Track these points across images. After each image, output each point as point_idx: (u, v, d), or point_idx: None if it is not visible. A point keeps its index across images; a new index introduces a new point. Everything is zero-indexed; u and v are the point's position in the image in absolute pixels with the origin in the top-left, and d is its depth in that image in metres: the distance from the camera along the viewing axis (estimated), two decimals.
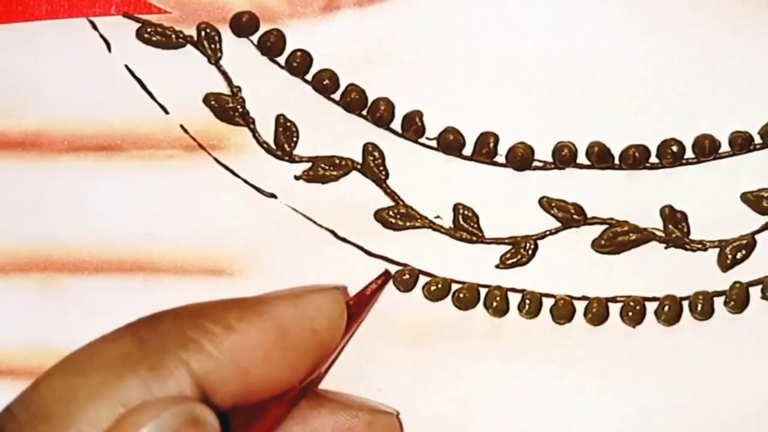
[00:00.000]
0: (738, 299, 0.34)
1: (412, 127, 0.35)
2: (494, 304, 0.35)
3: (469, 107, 0.35)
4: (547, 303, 0.35)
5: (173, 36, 0.35)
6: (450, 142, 0.35)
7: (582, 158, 0.35)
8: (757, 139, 0.35)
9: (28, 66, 0.35)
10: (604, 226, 0.35)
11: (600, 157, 0.35)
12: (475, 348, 0.35)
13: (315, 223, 0.35)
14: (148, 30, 0.35)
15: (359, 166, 0.35)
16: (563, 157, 0.35)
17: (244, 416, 0.31)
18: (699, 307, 0.34)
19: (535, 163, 0.35)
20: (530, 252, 0.35)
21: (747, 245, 0.35)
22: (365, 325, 0.35)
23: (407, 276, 0.35)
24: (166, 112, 0.35)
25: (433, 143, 0.35)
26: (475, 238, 0.35)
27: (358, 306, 0.34)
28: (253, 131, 0.35)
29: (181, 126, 0.35)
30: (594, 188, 0.35)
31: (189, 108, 0.35)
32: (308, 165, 0.35)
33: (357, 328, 0.34)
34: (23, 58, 0.35)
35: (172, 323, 0.30)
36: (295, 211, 0.35)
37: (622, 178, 0.35)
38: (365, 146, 0.35)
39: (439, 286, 0.35)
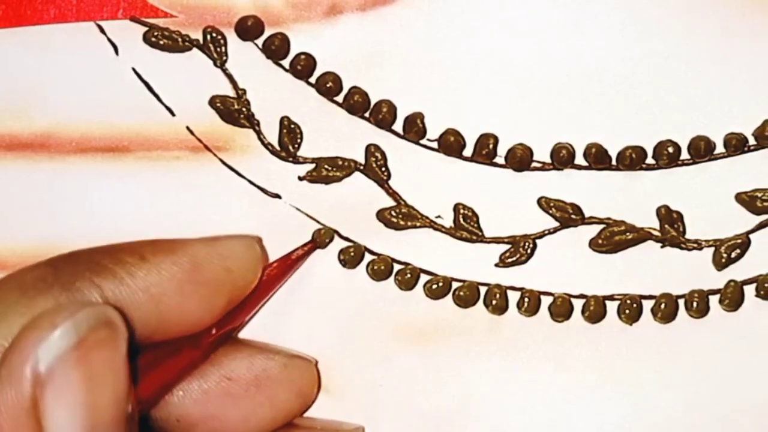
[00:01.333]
0: (733, 297, 0.34)
1: (414, 129, 0.35)
2: (494, 302, 0.35)
3: (469, 109, 0.35)
4: (546, 301, 0.35)
5: (179, 40, 0.35)
6: (451, 144, 0.35)
7: (580, 159, 0.35)
8: (752, 141, 0.35)
9: (37, 69, 0.35)
10: (602, 226, 0.35)
11: (597, 158, 0.35)
12: (475, 345, 0.35)
13: (318, 222, 0.35)
14: (155, 34, 0.35)
15: (362, 167, 0.35)
16: (561, 158, 0.35)
17: (156, 354, 0.31)
18: (694, 305, 0.35)
19: (534, 164, 0.35)
20: (529, 251, 0.35)
21: (741, 244, 0.35)
22: (367, 322, 0.35)
23: (409, 275, 0.35)
24: (173, 114, 0.35)
25: (434, 144, 0.35)
26: (475, 238, 0.35)
27: (281, 268, 0.34)
28: (258, 133, 0.35)
29: (188, 128, 0.35)
30: (591, 189, 0.35)
31: (195, 110, 0.35)
32: (312, 166, 0.35)
33: (278, 288, 0.34)
34: (32, 60, 0.35)
35: (88, 255, 0.31)
36: (298, 210, 0.35)
37: (619, 178, 0.35)
38: (368, 147, 0.35)
39: (440, 284, 0.35)
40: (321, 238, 0.35)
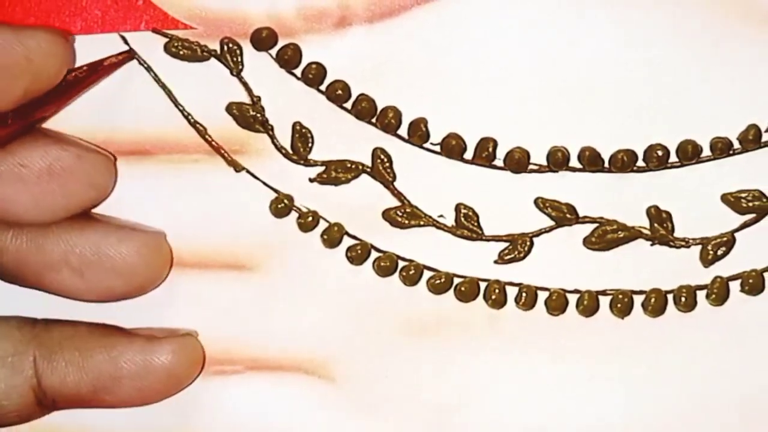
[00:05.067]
0: (719, 293, 0.35)
1: (418, 133, 0.35)
2: (493, 296, 0.35)
3: (470, 115, 0.35)
4: (542, 296, 0.35)
5: (198, 50, 0.35)
6: (452, 147, 0.35)
7: (574, 162, 0.35)
8: (736, 144, 0.35)
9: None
10: (595, 225, 0.35)
11: (591, 161, 0.35)
12: (475, 337, 0.35)
13: (328, 222, 0.35)
14: (175, 44, 0.35)
15: (369, 170, 0.35)
16: (557, 160, 0.35)
17: None
18: (683, 300, 0.35)
19: (531, 166, 0.35)
20: (526, 249, 0.35)
21: (727, 242, 0.35)
22: (373, 316, 0.35)
23: (413, 271, 0.35)
24: (192, 120, 0.35)
25: (437, 148, 0.35)
26: (475, 236, 0.35)
27: (90, 71, 0.33)
28: (272, 137, 0.35)
29: (205, 133, 0.35)
30: (585, 189, 0.35)
31: (213, 116, 0.35)
32: (322, 168, 0.35)
33: (84, 91, 0.34)
34: None
35: None
36: (309, 210, 0.35)
37: (611, 180, 0.35)
38: (374, 151, 0.35)
39: (442, 280, 0.35)
40: (138, 55, 0.34)
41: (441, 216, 0.35)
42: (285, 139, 0.36)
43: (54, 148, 0.33)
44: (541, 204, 0.35)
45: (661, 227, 0.35)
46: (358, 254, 0.35)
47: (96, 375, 0.33)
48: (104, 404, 0.34)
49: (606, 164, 0.35)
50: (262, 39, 0.35)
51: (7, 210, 0.32)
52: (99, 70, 0.34)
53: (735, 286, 0.35)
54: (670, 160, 0.35)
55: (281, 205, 0.35)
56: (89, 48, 0.35)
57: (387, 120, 0.35)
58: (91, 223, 0.34)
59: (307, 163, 0.36)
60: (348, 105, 0.35)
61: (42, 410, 0.34)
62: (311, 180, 0.36)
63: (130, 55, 0.34)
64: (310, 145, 0.36)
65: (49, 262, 0.33)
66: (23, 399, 0.33)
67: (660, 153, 0.35)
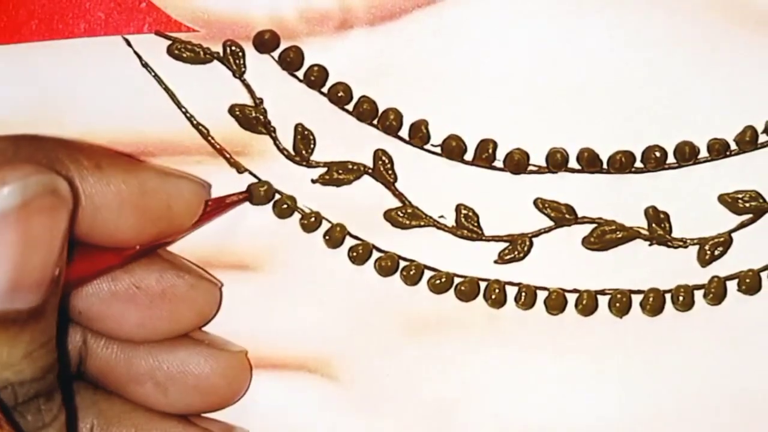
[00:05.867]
0: (716, 292, 0.35)
1: (418, 135, 0.35)
2: (493, 296, 0.35)
3: (470, 117, 0.35)
4: (542, 295, 0.35)
5: (201, 52, 0.35)
6: (453, 148, 0.35)
7: (573, 163, 0.35)
8: (733, 146, 0.35)
9: (69, 79, 0.35)
10: (594, 225, 0.35)
11: (589, 162, 0.35)
12: (475, 336, 0.35)
13: (330, 222, 0.36)
14: (179, 47, 0.35)
15: (370, 171, 0.35)
16: (556, 161, 0.35)
17: (81, 249, 0.31)
18: (680, 300, 0.35)
19: (530, 168, 0.35)
20: (526, 249, 0.35)
21: (724, 243, 0.35)
22: (375, 315, 0.35)
23: (414, 271, 0.35)
24: (194, 122, 0.35)
25: (438, 149, 0.35)
26: (475, 236, 0.35)
27: (214, 208, 0.34)
28: (274, 139, 0.36)
29: (209, 134, 0.36)
30: (584, 190, 0.35)
31: (216, 118, 0.35)
32: (324, 169, 0.35)
33: (204, 224, 0.34)
34: (64, 72, 0.35)
35: (51, 144, 0.30)
36: (311, 211, 0.36)
37: (609, 181, 0.35)
38: (376, 152, 0.35)
39: (443, 279, 0.35)
40: (257, 191, 0.35)
41: (442, 216, 0.36)
42: (287, 141, 0.36)
43: (170, 273, 0.33)
44: (541, 204, 0.35)
45: (659, 227, 0.35)
46: (360, 254, 0.36)
47: None
48: None
49: (604, 165, 0.35)
50: (265, 42, 0.35)
51: (114, 329, 0.33)
52: (221, 207, 0.35)
53: (732, 285, 0.35)
54: (668, 162, 0.35)
55: (284, 206, 0.35)
56: (93, 50, 0.35)
57: (388, 122, 0.35)
58: (182, 340, 0.34)
59: (309, 165, 0.36)
60: (349, 107, 0.36)
61: None
62: (313, 181, 0.36)
63: (248, 195, 0.35)
64: (312, 146, 0.36)
65: (135, 376, 0.33)
66: None
67: (658, 154, 0.35)
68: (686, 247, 0.35)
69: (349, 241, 0.36)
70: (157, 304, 0.33)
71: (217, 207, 0.34)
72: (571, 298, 0.35)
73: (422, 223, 0.36)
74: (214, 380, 0.34)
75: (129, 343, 0.33)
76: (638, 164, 0.35)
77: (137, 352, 0.33)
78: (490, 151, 0.35)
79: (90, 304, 0.33)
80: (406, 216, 0.36)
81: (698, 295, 0.35)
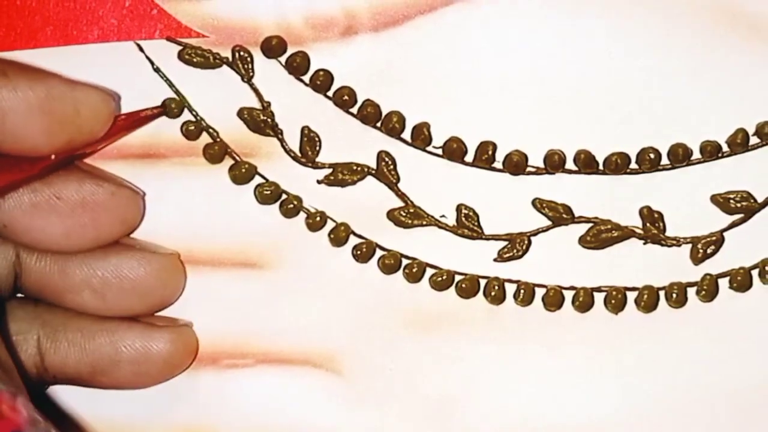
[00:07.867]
0: (709, 289, 0.35)
1: (421, 137, 0.35)
2: (492, 293, 0.35)
3: (471, 119, 0.35)
4: (540, 292, 0.35)
5: (211, 57, 0.35)
6: (454, 150, 0.35)
7: (570, 164, 0.35)
8: (725, 148, 0.35)
9: None
10: (590, 225, 0.35)
11: (586, 164, 0.35)
12: (475, 332, 0.35)
13: (335, 221, 0.36)
14: (189, 52, 0.35)
15: (374, 172, 0.36)
16: (554, 163, 0.35)
17: None
18: (674, 296, 0.35)
19: (529, 169, 0.35)
20: (524, 247, 0.35)
21: (716, 241, 0.35)
22: (378, 312, 0.35)
23: (416, 268, 0.35)
24: (204, 125, 0.36)
25: (439, 151, 0.36)
26: (475, 235, 0.35)
27: (127, 122, 0.34)
28: (281, 141, 0.36)
29: (218, 136, 0.36)
30: (581, 191, 0.35)
31: (225, 121, 0.36)
32: (329, 170, 0.36)
33: (120, 137, 0.34)
34: (78, 76, 0.34)
35: None
36: (317, 211, 0.36)
37: (605, 181, 0.35)
38: (379, 154, 0.36)
39: (444, 277, 0.35)
40: (169, 107, 0.35)
41: (443, 216, 0.36)
42: (294, 143, 0.36)
43: (89, 182, 0.33)
44: (539, 204, 0.36)
45: (653, 227, 0.35)
46: (364, 253, 0.36)
47: (96, 357, 0.34)
48: (100, 385, 0.35)
49: (600, 166, 0.35)
50: (272, 47, 0.36)
51: (39, 240, 0.33)
52: (136, 121, 0.34)
53: (724, 283, 0.35)
54: (662, 163, 0.35)
55: (290, 206, 0.36)
56: (106, 56, 0.36)
57: (391, 124, 0.36)
58: (114, 247, 0.34)
59: (315, 166, 0.36)
60: (354, 110, 0.36)
61: (42, 386, 0.35)
62: (319, 182, 0.36)
63: (163, 109, 0.35)
64: (317, 148, 0.36)
65: (70, 285, 0.34)
66: (26, 376, 0.34)
67: (652, 156, 0.35)
68: (679, 245, 0.35)
69: (353, 240, 0.36)
70: (78, 213, 0.33)
71: (131, 119, 0.34)
72: (568, 295, 0.36)
73: (424, 223, 0.36)
74: (149, 282, 0.34)
75: (61, 255, 0.33)
76: (633, 165, 0.35)
77: (70, 263, 0.33)
78: (490, 152, 0.35)
79: (12, 217, 0.32)
80: (408, 215, 0.36)
81: (691, 292, 0.35)
